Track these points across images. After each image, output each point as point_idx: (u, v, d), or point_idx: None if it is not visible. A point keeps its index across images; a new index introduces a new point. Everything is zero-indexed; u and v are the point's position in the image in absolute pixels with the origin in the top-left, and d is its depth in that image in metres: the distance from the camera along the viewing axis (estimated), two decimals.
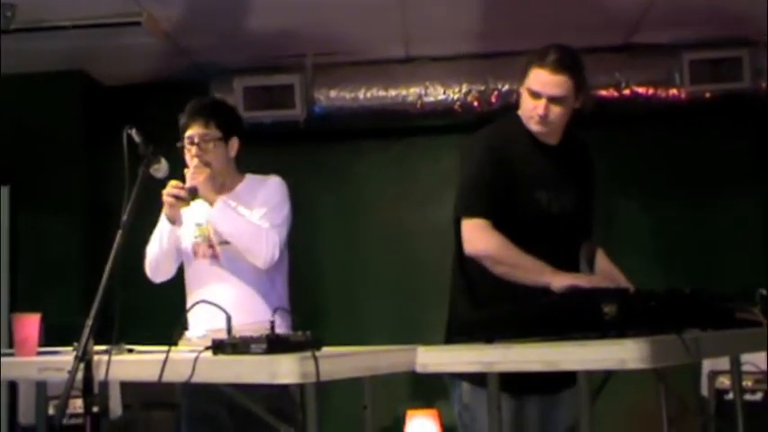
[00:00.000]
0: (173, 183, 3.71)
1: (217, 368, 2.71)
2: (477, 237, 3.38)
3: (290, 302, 3.95)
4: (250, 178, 3.98)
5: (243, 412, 3.21)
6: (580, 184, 3.62)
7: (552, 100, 3.40)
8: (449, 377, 3.54)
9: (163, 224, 3.84)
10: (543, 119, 3.42)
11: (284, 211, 3.85)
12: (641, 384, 5.92)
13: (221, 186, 3.84)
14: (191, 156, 3.83)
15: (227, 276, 3.85)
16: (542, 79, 3.39)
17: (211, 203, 3.74)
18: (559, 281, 3.15)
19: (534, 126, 3.46)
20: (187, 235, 3.94)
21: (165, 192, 3.70)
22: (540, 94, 3.40)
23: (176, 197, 3.73)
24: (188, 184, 3.74)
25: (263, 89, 6.79)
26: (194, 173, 3.76)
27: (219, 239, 3.85)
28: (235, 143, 3.94)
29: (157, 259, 3.87)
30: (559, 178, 3.52)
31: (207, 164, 3.81)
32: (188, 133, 3.87)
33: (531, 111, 3.45)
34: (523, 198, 3.45)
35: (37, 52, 6.36)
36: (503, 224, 3.36)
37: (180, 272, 4.02)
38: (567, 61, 3.40)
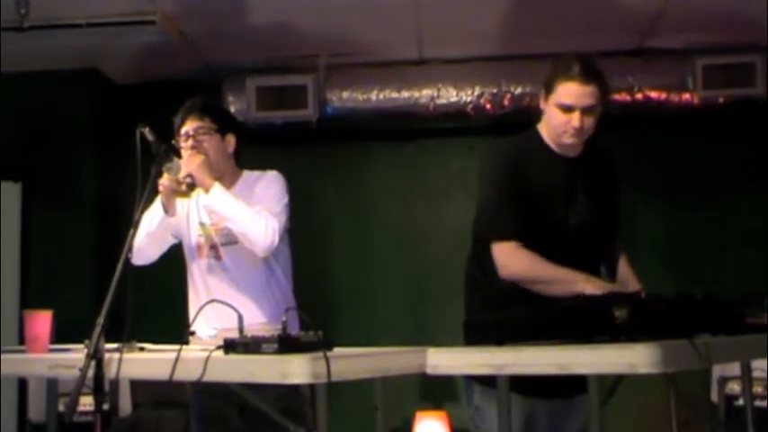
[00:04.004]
0: (169, 176, 3.72)
1: (228, 368, 2.72)
2: (510, 261, 3.38)
3: (296, 301, 3.95)
4: (248, 174, 3.98)
5: (253, 412, 3.22)
6: (602, 192, 3.60)
7: (585, 110, 3.37)
8: (463, 379, 3.55)
9: (156, 210, 3.81)
10: (579, 131, 3.40)
11: (282, 201, 3.84)
12: (651, 389, 5.91)
13: (219, 180, 3.79)
14: (186, 149, 3.83)
15: (230, 276, 3.86)
16: (573, 92, 3.36)
17: (207, 190, 3.71)
18: (593, 289, 3.15)
19: (568, 140, 3.43)
20: (192, 233, 3.96)
21: (161, 181, 3.70)
22: (573, 108, 3.37)
23: (173, 190, 3.74)
24: (184, 172, 3.73)
25: (276, 89, 6.80)
26: (189, 160, 3.75)
27: (222, 240, 3.86)
28: (232, 139, 3.95)
29: (141, 242, 3.78)
30: (578, 191, 3.50)
31: (203, 153, 3.82)
32: (183, 129, 3.88)
33: (563, 125, 3.41)
34: (541, 213, 3.43)
35: (51, 50, 6.39)
36: (525, 240, 3.37)
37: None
38: (593, 70, 3.38)
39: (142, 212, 3.39)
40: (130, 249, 3.20)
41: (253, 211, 3.72)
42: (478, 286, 3.57)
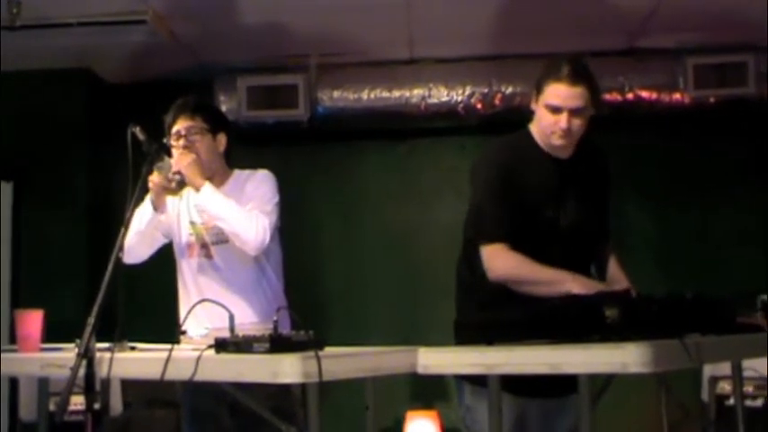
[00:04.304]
0: (159, 173, 3.72)
1: (219, 367, 2.72)
2: (497, 263, 3.38)
3: (287, 300, 3.95)
4: (239, 173, 3.98)
5: (244, 411, 3.22)
6: (593, 193, 3.61)
7: (573, 112, 3.38)
8: (454, 379, 3.55)
9: (145, 208, 3.80)
10: (567, 132, 3.41)
11: (273, 200, 3.84)
12: (642, 389, 5.93)
13: (210, 180, 3.79)
14: (177, 148, 3.83)
15: (221, 276, 3.86)
16: (561, 93, 3.37)
17: (197, 189, 3.72)
18: (580, 289, 3.17)
19: (557, 141, 3.44)
20: (182, 232, 3.96)
21: (151, 178, 3.70)
22: (560, 108, 3.38)
23: (163, 187, 3.75)
24: (174, 169, 3.73)
25: (267, 89, 6.80)
26: (179, 159, 3.76)
27: (213, 239, 3.86)
28: (223, 139, 3.96)
29: (131, 240, 3.76)
30: (569, 192, 3.51)
31: (194, 152, 3.82)
32: (175, 128, 3.88)
33: (552, 126, 3.42)
34: (532, 214, 3.44)
35: (42, 49, 6.37)
36: (516, 241, 3.37)
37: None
38: (582, 71, 3.39)
39: (133, 211, 3.39)
40: (121, 248, 3.20)
41: (243, 210, 3.72)
42: (469, 287, 3.57)
